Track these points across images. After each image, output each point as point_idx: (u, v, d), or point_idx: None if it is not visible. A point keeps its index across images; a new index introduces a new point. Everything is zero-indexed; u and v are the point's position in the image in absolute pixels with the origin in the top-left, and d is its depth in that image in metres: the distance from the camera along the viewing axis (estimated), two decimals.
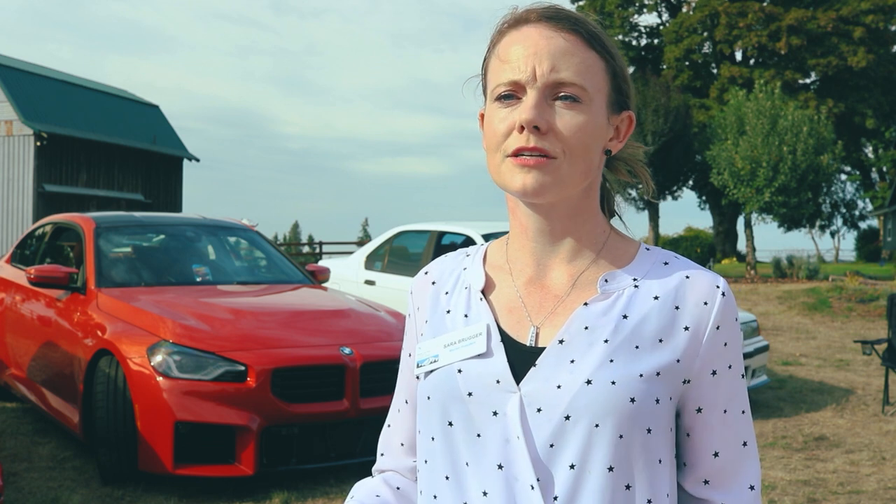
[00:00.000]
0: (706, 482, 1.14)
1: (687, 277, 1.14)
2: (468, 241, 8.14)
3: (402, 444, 1.30)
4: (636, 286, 1.13)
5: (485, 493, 1.09)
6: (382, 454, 1.33)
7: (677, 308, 1.12)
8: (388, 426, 1.33)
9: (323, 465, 5.01)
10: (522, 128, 1.07)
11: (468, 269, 1.24)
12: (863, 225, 49.41)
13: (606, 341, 1.09)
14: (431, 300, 1.24)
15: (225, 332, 5.11)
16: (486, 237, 7.91)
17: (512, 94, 1.10)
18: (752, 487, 1.14)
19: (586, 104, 1.09)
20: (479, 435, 1.10)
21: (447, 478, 1.13)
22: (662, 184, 32.60)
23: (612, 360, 1.08)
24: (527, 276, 1.17)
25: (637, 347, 1.09)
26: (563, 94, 1.08)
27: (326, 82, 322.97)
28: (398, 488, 1.30)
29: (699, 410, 1.13)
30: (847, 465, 5.76)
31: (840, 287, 18.38)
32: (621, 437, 1.06)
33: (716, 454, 1.13)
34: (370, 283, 8.82)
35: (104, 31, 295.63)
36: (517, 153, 1.08)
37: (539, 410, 1.07)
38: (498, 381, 1.10)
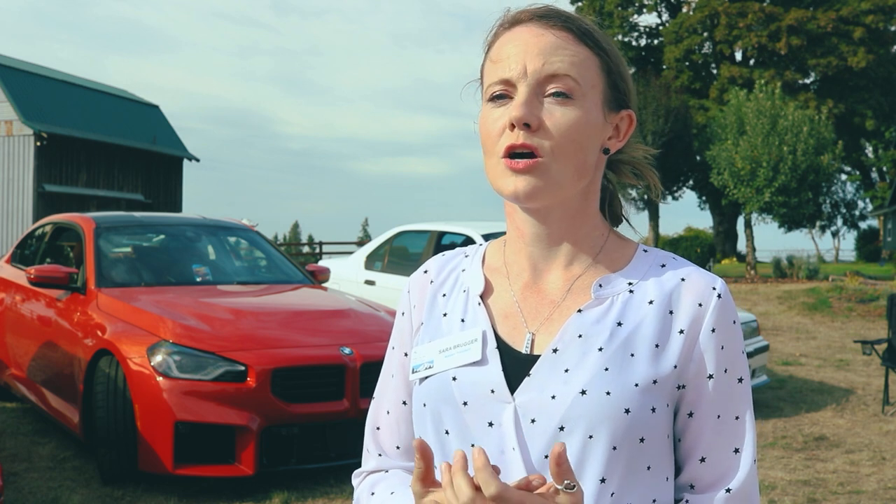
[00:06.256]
0: (691, 486, 1.11)
1: (682, 280, 1.12)
2: (468, 242, 8.14)
3: (398, 448, 1.24)
4: (631, 291, 1.11)
5: None
6: (380, 454, 1.25)
7: (671, 312, 1.10)
8: (378, 429, 1.25)
9: (323, 465, 5.01)
10: (514, 125, 1.06)
11: (467, 271, 1.21)
12: (863, 225, 49.43)
13: (601, 349, 1.07)
14: (429, 301, 1.22)
15: (225, 332, 5.11)
16: (486, 237, 7.91)
17: (504, 94, 1.09)
18: (728, 490, 1.09)
19: (578, 99, 1.07)
20: (473, 445, 1.08)
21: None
22: (663, 184, 32.24)
23: (606, 369, 1.05)
24: (523, 280, 1.16)
25: (632, 355, 1.07)
26: (554, 90, 1.06)
27: (327, 82, 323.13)
28: None
29: (691, 415, 1.10)
30: (847, 465, 5.76)
31: (840, 287, 18.37)
32: (615, 448, 1.03)
33: (702, 460, 1.10)
34: (370, 283, 8.82)
35: (105, 31, 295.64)
36: (509, 151, 1.06)
37: (533, 421, 1.05)
38: (493, 391, 1.08)
